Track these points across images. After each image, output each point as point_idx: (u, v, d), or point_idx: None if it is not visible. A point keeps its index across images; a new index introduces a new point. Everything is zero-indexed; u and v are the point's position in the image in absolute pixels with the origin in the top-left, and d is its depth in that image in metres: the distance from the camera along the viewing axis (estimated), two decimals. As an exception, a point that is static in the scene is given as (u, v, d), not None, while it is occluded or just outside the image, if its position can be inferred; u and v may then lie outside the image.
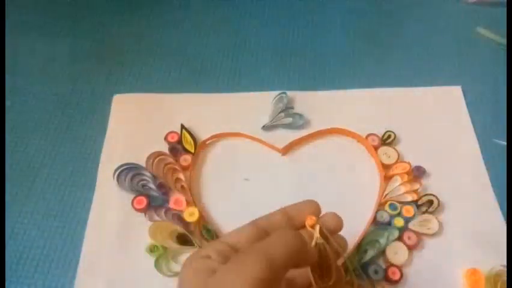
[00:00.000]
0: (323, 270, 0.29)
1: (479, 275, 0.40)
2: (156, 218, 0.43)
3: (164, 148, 0.47)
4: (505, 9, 0.58)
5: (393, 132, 0.48)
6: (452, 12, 0.61)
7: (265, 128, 0.49)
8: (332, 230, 0.30)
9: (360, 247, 0.41)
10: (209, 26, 0.59)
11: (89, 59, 0.56)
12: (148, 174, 0.45)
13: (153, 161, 0.46)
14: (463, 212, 0.44)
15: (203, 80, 0.54)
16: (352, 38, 0.58)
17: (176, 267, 0.40)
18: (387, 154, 0.46)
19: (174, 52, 0.57)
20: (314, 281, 0.28)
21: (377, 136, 0.48)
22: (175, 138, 0.47)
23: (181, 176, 0.45)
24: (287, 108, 0.49)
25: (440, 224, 0.42)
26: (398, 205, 0.43)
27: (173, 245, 0.41)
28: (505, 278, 0.39)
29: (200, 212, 0.42)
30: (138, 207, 0.43)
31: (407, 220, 0.42)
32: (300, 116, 0.49)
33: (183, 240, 0.41)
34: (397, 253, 0.41)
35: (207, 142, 0.48)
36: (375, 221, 0.43)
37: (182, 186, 0.44)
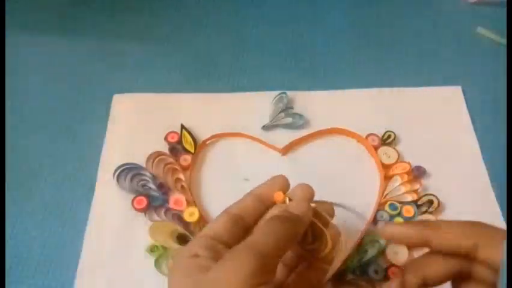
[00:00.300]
0: (315, 239, 0.29)
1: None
2: (156, 218, 0.43)
3: (164, 148, 0.47)
4: (505, 9, 0.58)
5: (393, 132, 0.48)
6: (452, 12, 0.61)
7: (265, 128, 0.49)
8: (305, 200, 0.30)
9: (360, 247, 0.41)
10: (209, 26, 0.59)
11: (89, 59, 0.56)
12: (148, 174, 0.45)
13: (153, 161, 0.46)
14: (463, 212, 0.44)
15: (203, 80, 0.54)
16: (352, 38, 0.58)
17: (176, 267, 0.40)
18: (387, 154, 0.46)
19: (174, 52, 0.57)
20: (308, 251, 0.29)
21: (377, 136, 0.48)
22: (175, 138, 0.47)
23: (181, 176, 0.45)
24: (287, 108, 0.49)
25: (440, 224, 0.42)
26: (398, 205, 0.43)
27: (173, 245, 0.41)
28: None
29: (200, 212, 0.42)
30: (138, 207, 0.43)
31: (407, 220, 0.42)
32: (300, 116, 0.49)
33: (183, 240, 0.41)
34: (397, 253, 0.40)
35: (207, 142, 0.48)
36: (375, 221, 0.43)
37: (182, 186, 0.44)
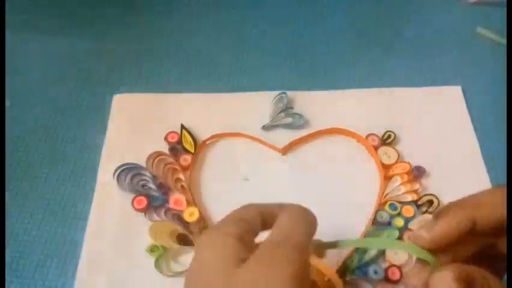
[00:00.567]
0: None
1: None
2: (156, 218, 0.43)
3: (164, 148, 0.47)
4: (505, 9, 0.58)
5: (393, 132, 0.48)
6: (452, 12, 0.61)
7: (265, 128, 0.49)
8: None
9: (360, 247, 0.41)
10: (209, 26, 0.59)
11: (89, 59, 0.56)
12: (148, 174, 0.45)
13: (153, 161, 0.46)
14: (463, 212, 0.44)
15: (203, 80, 0.54)
16: (352, 38, 0.58)
17: (177, 267, 0.40)
18: (387, 154, 0.46)
19: (174, 52, 0.57)
20: None
21: (377, 136, 0.48)
22: (175, 138, 0.47)
23: (181, 176, 0.45)
24: (287, 108, 0.49)
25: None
26: (398, 205, 0.43)
27: (173, 245, 0.41)
28: (505, 277, 0.39)
29: (200, 212, 0.42)
30: (138, 207, 0.43)
31: (407, 220, 0.42)
32: (300, 116, 0.49)
33: (183, 240, 0.41)
34: (397, 253, 0.40)
35: (207, 142, 0.48)
36: (375, 221, 0.43)
37: (182, 186, 0.44)
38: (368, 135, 0.48)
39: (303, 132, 0.48)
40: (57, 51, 0.57)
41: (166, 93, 0.52)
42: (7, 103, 0.52)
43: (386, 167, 0.46)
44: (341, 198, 0.44)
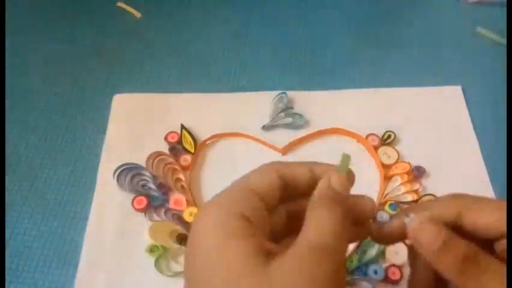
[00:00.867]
0: None
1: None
2: (156, 218, 0.43)
3: (164, 148, 0.47)
4: (505, 9, 0.58)
5: (393, 132, 0.48)
6: (452, 12, 0.61)
7: (265, 128, 0.49)
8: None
9: (360, 247, 0.41)
10: (209, 26, 0.59)
11: (89, 59, 0.56)
12: (148, 174, 0.45)
13: (153, 161, 0.46)
14: (463, 212, 0.44)
15: (203, 80, 0.54)
16: (352, 38, 0.58)
17: (177, 267, 0.40)
18: (387, 154, 0.46)
19: (174, 52, 0.57)
20: None
21: (377, 136, 0.48)
22: (175, 138, 0.47)
23: (181, 176, 0.45)
24: (287, 108, 0.49)
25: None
26: (398, 205, 0.43)
27: (173, 245, 0.41)
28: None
29: (200, 212, 0.42)
30: (138, 207, 0.43)
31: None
32: (300, 116, 0.49)
33: (183, 240, 0.41)
34: (397, 253, 0.40)
35: (207, 142, 0.48)
36: (375, 221, 0.43)
37: (182, 186, 0.44)
38: (368, 135, 0.48)
39: (303, 132, 0.48)
40: (57, 51, 0.57)
41: (166, 93, 0.52)
42: (7, 103, 0.52)
43: (386, 167, 0.46)
44: (341, 198, 0.44)
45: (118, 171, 0.45)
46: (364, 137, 0.48)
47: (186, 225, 0.42)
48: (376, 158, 0.46)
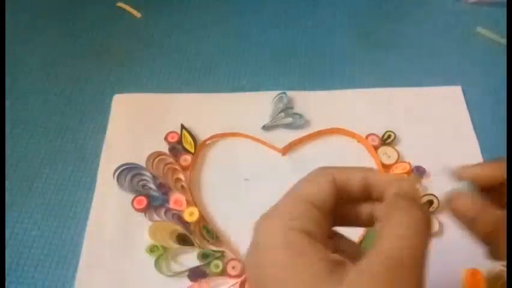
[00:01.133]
0: None
1: (479, 275, 0.39)
2: (156, 218, 0.43)
3: (164, 148, 0.47)
4: (505, 9, 0.58)
5: (393, 132, 0.48)
6: (452, 12, 0.61)
7: (265, 128, 0.49)
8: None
9: (360, 247, 0.41)
10: (209, 26, 0.59)
11: (89, 59, 0.56)
12: (148, 174, 0.45)
13: (153, 161, 0.46)
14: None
15: (203, 80, 0.54)
16: (352, 38, 0.58)
17: (176, 267, 0.40)
18: (387, 154, 0.46)
19: (174, 52, 0.57)
20: None
21: (377, 136, 0.48)
22: (175, 138, 0.47)
23: (181, 176, 0.45)
24: (287, 108, 0.49)
25: (440, 224, 0.42)
26: (398, 205, 0.43)
27: (173, 245, 0.41)
28: (505, 278, 0.39)
29: (200, 212, 0.42)
30: (138, 207, 0.43)
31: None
32: (300, 116, 0.49)
33: (183, 240, 0.41)
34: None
35: (207, 142, 0.48)
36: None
37: (182, 186, 0.44)
38: (368, 135, 0.48)
39: (303, 132, 0.48)
40: (57, 51, 0.57)
41: (166, 93, 0.52)
42: (7, 103, 0.52)
43: (386, 167, 0.46)
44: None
45: (118, 171, 0.45)
46: (364, 137, 0.48)
47: (186, 225, 0.42)
48: (376, 158, 0.46)
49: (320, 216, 0.22)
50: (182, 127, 0.48)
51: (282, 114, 0.49)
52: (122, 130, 0.49)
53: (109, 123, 0.50)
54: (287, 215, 0.22)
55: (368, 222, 0.25)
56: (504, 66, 0.53)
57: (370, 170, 0.25)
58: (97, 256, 0.41)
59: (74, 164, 0.47)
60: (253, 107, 0.50)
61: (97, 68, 0.55)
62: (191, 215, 0.42)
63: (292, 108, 0.50)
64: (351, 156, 0.47)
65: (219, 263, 0.40)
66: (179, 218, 0.42)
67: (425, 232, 0.21)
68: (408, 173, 0.45)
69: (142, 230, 0.42)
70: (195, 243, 0.41)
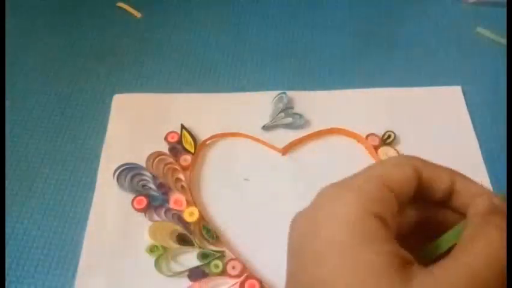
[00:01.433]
0: None
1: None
2: (156, 218, 0.43)
3: (164, 148, 0.47)
4: (505, 9, 0.58)
5: (393, 132, 0.48)
6: (452, 12, 0.61)
7: (265, 128, 0.49)
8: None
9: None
10: (209, 26, 0.59)
11: (89, 59, 0.56)
12: (148, 174, 0.45)
13: (153, 161, 0.46)
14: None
15: (203, 80, 0.54)
16: (352, 38, 0.58)
17: (176, 267, 0.40)
18: (387, 154, 0.46)
19: (174, 52, 0.57)
20: None
21: (377, 136, 0.48)
22: (175, 138, 0.47)
23: (181, 176, 0.45)
24: (287, 108, 0.49)
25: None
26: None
27: (173, 245, 0.41)
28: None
29: (200, 212, 0.42)
30: (138, 207, 0.43)
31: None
32: (300, 116, 0.49)
33: (183, 240, 0.41)
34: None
35: (207, 142, 0.48)
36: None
37: (182, 186, 0.44)
38: (368, 135, 0.48)
39: (303, 132, 0.48)
40: (57, 51, 0.57)
41: (166, 93, 0.52)
42: (7, 103, 0.52)
43: (386, 167, 0.46)
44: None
45: (118, 171, 0.45)
46: (364, 137, 0.48)
47: (186, 225, 0.42)
48: (376, 158, 0.46)
49: (395, 204, 0.21)
50: (182, 127, 0.48)
51: (282, 114, 0.49)
52: (122, 130, 0.49)
53: (109, 123, 0.50)
54: (365, 195, 0.20)
55: (434, 231, 0.23)
56: (504, 66, 0.53)
57: (458, 173, 0.23)
58: (97, 256, 0.41)
59: (74, 164, 0.47)
60: (253, 107, 0.50)
61: (97, 68, 0.55)
62: (191, 215, 0.42)
63: (292, 108, 0.50)
64: (351, 156, 0.47)
65: (219, 263, 0.40)
66: (179, 218, 0.42)
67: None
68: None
69: (142, 230, 0.42)
70: (195, 243, 0.41)
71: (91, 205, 0.44)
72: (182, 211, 0.43)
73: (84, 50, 0.57)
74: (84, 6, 0.62)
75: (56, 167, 0.47)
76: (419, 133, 0.48)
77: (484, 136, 0.48)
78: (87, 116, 0.51)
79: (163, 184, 0.44)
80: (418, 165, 0.22)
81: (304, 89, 0.52)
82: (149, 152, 0.46)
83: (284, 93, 0.50)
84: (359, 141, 0.48)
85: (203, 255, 0.40)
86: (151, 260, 0.40)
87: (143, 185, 0.44)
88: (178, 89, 0.53)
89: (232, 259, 0.40)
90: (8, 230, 0.43)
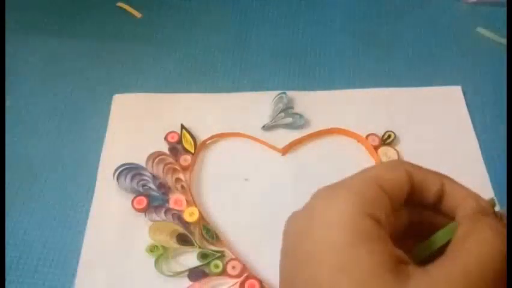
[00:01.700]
0: None
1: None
2: (156, 218, 0.43)
3: (164, 148, 0.47)
4: (505, 9, 0.58)
5: (393, 132, 0.48)
6: (452, 12, 0.61)
7: (265, 128, 0.49)
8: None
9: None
10: (209, 26, 0.59)
11: (89, 59, 0.56)
12: (148, 174, 0.45)
13: (153, 161, 0.46)
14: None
15: (203, 80, 0.54)
16: (352, 38, 0.58)
17: (177, 267, 0.40)
18: (387, 154, 0.46)
19: (174, 52, 0.57)
20: None
21: (377, 136, 0.48)
22: (175, 138, 0.47)
23: (181, 176, 0.45)
24: (287, 108, 0.49)
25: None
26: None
27: (173, 245, 0.41)
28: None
29: (200, 212, 0.42)
30: (138, 207, 0.43)
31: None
32: (300, 116, 0.49)
33: (183, 240, 0.41)
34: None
35: (207, 142, 0.48)
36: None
37: (182, 186, 0.44)
38: (368, 135, 0.48)
39: (303, 132, 0.48)
40: (57, 51, 0.57)
41: (166, 93, 0.52)
42: (7, 103, 0.52)
43: (386, 167, 0.46)
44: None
45: (118, 171, 0.45)
46: (364, 137, 0.48)
47: (186, 225, 0.42)
48: (376, 158, 0.46)
49: (389, 206, 0.21)
50: (182, 127, 0.48)
51: (282, 114, 0.49)
52: (122, 130, 0.49)
53: (109, 123, 0.50)
54: (358, 196, 0.20)
55: (425, 235, 0.23)
56: (504, 66, 0.53)
57: (447, 177, 0.23)
58: (97, 256, 0.41)
59: (74, 164, 0.47)
60: (253, 107, 0.50)
61: (97, 68, 0.55)
62: (191, 215, 0.42)
63: (292, 108, 0.50)
64: (351, 156, 0.47)
65: (219, 263, 0.40)
66: (179, 218, 0.42)
67: (506, 252, 0.19)
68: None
69: (142, 230, 0.42)
70: (195, 243, 0.41)
71: (91, 205, 0.44)
72: (182, 211, 0.43)
73: (84, 50, 0.57)
74: (84, 6, 0.62)
75: (56, 167, 0.47)
76: (419, 133, 0.49)
77: (484, 136, 0.48)
78: (87, 116, 0.51)
79: (163, 184, 0.44)
80: (410, 169, 0.22)
81: (304, 89, 0.52)
82: (149, 152, 0.46)
83: (284, 93, 0.50)
84: (359, 141, 0.48)
85: (203, 255, 0.40)
86: (151, 260, 0.40)
87: (143, 185, 0.44)
88: (178, 89, 0.53)
89: (232, 259, 0.40)
90: (8, 230, 0.43)
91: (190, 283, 0.39)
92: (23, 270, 0.41)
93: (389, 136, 0.48)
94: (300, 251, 0.20)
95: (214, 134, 0.48)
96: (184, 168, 0.46)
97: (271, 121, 0.49)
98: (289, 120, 0.49)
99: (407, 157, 0.46)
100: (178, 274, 0.40)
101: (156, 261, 0.40)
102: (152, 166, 0.45)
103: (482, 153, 0.47)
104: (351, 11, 0.61)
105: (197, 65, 0.55)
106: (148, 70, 0.55)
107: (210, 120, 0.49)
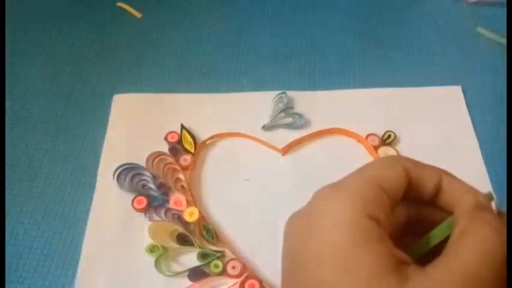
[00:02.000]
0: None
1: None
2: (156, 218, 0.43)
3: (164, 148, 0.47)
4: (505, 9, 0.58)
5: (393, 132, 0.48)
6: (452, 12, 0.61)
7: (265, 128, 0.49)
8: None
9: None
10: (209, 26, 0.59)
11: (89, 59, 0.56)
12: (148, 174, 0.45)
13: (153, 161, 0.46)
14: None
15: (203, 80, 0.54)
16: (352, 38, 0.58)
17: (177, 267, 0.40)
18: (387, 154, 0.46)
19: (174, 52, 0.57)
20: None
21: (377, 136, 0.48)
22: (175, 138, 0.47)
23: (181, 176, 0.45)
24: (287, 108, 0.49)
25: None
26: (398, 205, 0.43)
27: (173, 245, 0.41)
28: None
29: (200, 212, 0.42)
30: (138, 207, 0.43)
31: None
32: (300, 116, 0.49)
33: (183, 240, 0.41)
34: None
35: (207, 142, 0.48)
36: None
37: (182, 186, 0.44)
38: (368, 135, 0.48)
39: (303, 132, 0.48)
40: (56, 51, 0.57)
41: (166, 93, 0.52)
42: (7, 103, 0.52)
43: (386, 167, 0.46)
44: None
45: (118, 171, 0.45)
46: (364, 137, 0.48)
47: (186, 225, 0.42)
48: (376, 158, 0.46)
49: (388, 204, 0.21)
50: (182, 127, 0.48)
51: (282, 114, 0.49)
52: (122, 130, 0.49)
53: (109, 123, 0.50)
54: (358, 196, 0.20)
55: (424, 230, 0.23)
56: (504, 66, 0.53)
57: (445, 172, 0.23)
58: (97, 256, 0.41)
59: (74, 164, 0.47)
60: (253, 107, 0.50)
61: (97, 68, 0.55)
62: (191, 215, 0.42)
63: (292, 108, 0.50)
64: (351, 156, 0.47)
65: (219, 263, 0.40)
66: (179, 218, 0.42)
67: (505, 250, 0.19)
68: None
69: (142, 230, 0.42)
70: (195, 243, 0.41)
71: (91, 205, 0.44)
72: (182, 211, 0.43)
73: (84, 50, 0.57)
74: (84, 6, 0.62)
75: (56, 167, 0.47)
76: (419, 133, 0.48)
77: (484, 136, 0.48)
78: (87, 116, 0.51)
79: (163, 184, 0.44)
80: (407, 165, 0.23)
81: (304, 89, 0.52)
82: (149, 152, 0.46)
83: (284, 93, 0.50)
84: (359, 141, 0.48)
85: (203, 255, 0.40)
86: (151, 260, 0.40)
87: (143, 185, 0.44)
88: (178, 89, 0.53)
89: (232, 259, 0.40)
90: (8, 230, 0.43)
91: (190, 283, 0.39)
92: (23, 271, 0.41)
93: (389, 136, 0.48)
94: (300, 251, 0.20)
95: (214, 134, 0.48)
96: (184, 168, 0.46)
97: (271, 121, 0.49)
98: (289, 120, 0.49)
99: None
100: (178, 274, 0.40)
101: (156, 261, 0.40)
102: (152, 166, 0.45)
103: (482, 153, 0.47)
104: (351, 11, 0.61)
105: (197, 65, 0.55)
106: (148, 70, 0.55)
107: (210, 120, 0.49)
